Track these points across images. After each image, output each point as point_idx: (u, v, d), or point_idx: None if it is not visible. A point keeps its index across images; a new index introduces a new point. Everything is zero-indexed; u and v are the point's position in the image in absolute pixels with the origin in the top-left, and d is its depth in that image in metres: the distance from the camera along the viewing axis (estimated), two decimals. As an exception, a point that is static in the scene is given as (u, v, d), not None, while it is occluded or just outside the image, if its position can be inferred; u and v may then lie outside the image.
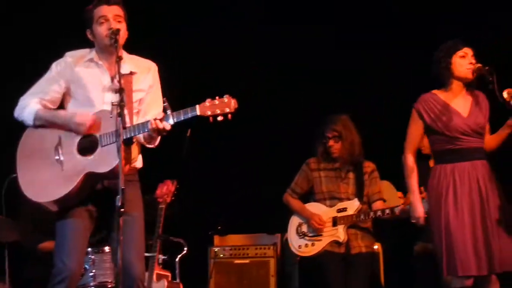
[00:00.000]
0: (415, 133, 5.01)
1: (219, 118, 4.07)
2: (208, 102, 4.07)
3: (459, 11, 6.74)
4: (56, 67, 4.34)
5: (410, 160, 5.03)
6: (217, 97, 4.09)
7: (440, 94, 4.95)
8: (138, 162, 4.38)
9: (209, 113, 4.06)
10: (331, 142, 5.88)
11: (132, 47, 4.37)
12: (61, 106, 4.36)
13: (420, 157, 6.35)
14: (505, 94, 4.66)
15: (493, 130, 5.03)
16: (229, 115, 4.07)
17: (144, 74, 4.35)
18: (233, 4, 7.27)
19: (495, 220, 4.75)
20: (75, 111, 4.24)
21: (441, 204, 4.81)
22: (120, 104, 3.96)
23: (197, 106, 4.08)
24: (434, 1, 6.87)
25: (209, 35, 7.21)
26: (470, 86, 4.92)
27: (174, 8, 7.25)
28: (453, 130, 4.86)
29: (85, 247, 4.30)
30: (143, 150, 4.38)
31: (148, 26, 6.53)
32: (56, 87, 4.31)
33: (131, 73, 4.26)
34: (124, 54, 4.30)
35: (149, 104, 4.34)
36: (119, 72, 4.04)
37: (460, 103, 4.93)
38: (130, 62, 4.29)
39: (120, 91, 4.01)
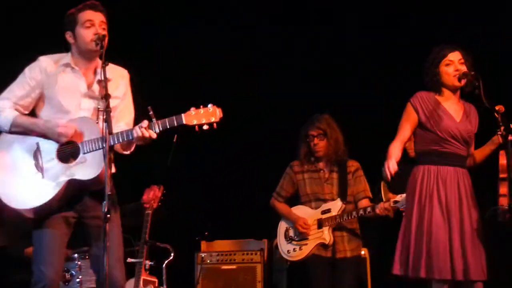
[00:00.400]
0: (406, 126, 4.99)
1: (205, 127, 4.10)
2: (193, 111, 4.10)
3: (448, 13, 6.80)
4: (29, 71, 4.29)
5: (393, 144, 4.97)
6: (201, 106, 4.12)
7: (436, 96, 4.97)
8: (112, 168, 4.36)
9: (194, 122, 4.09)
10: (316, 140, 5.88)
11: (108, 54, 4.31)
12: (32, 111, 4.32)
13: (405, 160, 6.41)
14: (496, 110, 4.68)
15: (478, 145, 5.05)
16: (214, 124, 4.10)
17: (118, 81, 4.34)
18: (215, 12, 7.27)
19: (471, 229, 4.78)
20: (55, 120, 4.19)
21: (426, 204, 4.82)
22: (106, 110, 3.96)
23: (183, 115, 4.10)
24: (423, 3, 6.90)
25: (190, 41, 7.21)
26: (463, 92, 4.94)
27: (153, 15, 7.24)
28: (444, 131, 4.88)
29: (62, 254, 4.29)
30: (128, 156, 4.38)
31: (126, 32, 6.50)
32: (29, 92, 4.27)
33: (108, 80, 4.18)
34: (98, 61, 4.29)
35: (122, 111, 4.35)
36: (104, 77, 4.05)
37: (453, 108, 4.96)
38: (106, 69, 4.22)
39: (106, 96, 4.01)
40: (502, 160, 4.73)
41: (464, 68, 4.87)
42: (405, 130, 5.00)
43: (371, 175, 6.09)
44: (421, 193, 4.87)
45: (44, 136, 4.20)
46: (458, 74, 4.86)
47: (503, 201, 4.70)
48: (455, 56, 4.91)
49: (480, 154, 5.01)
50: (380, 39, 7.00)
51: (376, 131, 6.49)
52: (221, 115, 4.13)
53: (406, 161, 6.25)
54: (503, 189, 4.71)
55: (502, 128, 4.67)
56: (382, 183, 5.70)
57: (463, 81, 4.86)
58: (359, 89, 7.05)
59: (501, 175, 4.73)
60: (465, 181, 4.88)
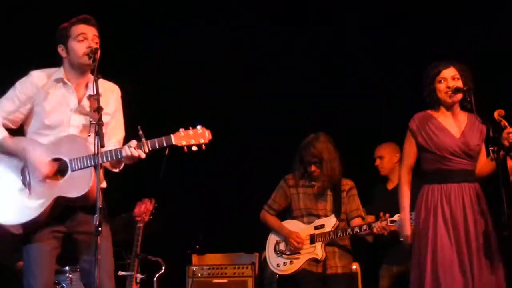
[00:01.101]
0: (408, 150, 5.03)
1: (194, 148, 4.12)
2: (182, 132, 4.12)
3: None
4: (21, 86, 4.28)
5: (403, 178, 5.05)
6: (190, 127, 4.13)
7: (434, 113, 4.97)
8: (103, 183, 4.38)
9: (184, 143, 4.11)
10: (312, 168, 5.87)
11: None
12: (21, 125, 4.31)
13: (378, 180, 6.45)
14: (495, 115, 4.69)
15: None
16: (203, 146, 4.13)
17: (109, 96, 4.33)
18: (214, 12, 7.29)
19: (479, 245, 4.75)
20: (42, 157, 4.14)
21: (429, 223, 4.82)
22: (98, 123, 3.96)
23: (172, 135, 4.12)
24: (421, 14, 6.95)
25: (188, 42, 7.23)
26: (464, 107, 4.92)
27: (142, 29, 7.26)
28: (442, 149, 4.88)
29: (53, 267, 4.28)
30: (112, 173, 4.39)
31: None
32: (20, 107, 4.25)
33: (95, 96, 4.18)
34: (89, 75, 4.30)
35: (114, 128, 4.35)
36: (97, 91, 4.04)
37: (453, 124, 4.95)
38: (98, 82, 4.20)
39: (98, 109, 4.01)
40: (511, 163, 4.72)
41: (457, 84, 4.87)
42: (408, 155, 5.05)
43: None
44: (426, 212, 4.87)
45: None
46: (449, 91, 4.88)
47: None
48: (448, 73, 4.91)
49: (489, 164, 4.92)
50: (380, 39, 7.03)
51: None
52: (210, 137, 4.17)
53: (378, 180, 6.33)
54: None
55: (506, 131, 4.66)
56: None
57: (456, 97, 4.87)
58: (354, 105, 7.07)
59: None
60: (471, 196, 4.84)
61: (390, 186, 6.52)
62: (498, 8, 6.67)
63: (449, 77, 4.90)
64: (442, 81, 4.91)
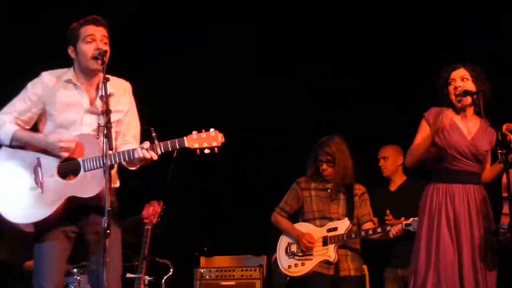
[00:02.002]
0: (420, 139, 4.95)
1: (206, 151, 4.11)
2: (195, 135, 4.12)
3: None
4: (32, 87, 4.27)
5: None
6: (203, 130, 4.13)
7: (449, 112, 4.93)
8: (117, 183, 4.38)
9: (196, 145, 4.11)
10: (324, 166, 5.89)
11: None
12: (35, 126, 4.31)
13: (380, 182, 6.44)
14: (503, 129, 4.67)
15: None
16: (216, 149, 4.13)
17: (121, 94, 4.32)
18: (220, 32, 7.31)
19: (481, 246, 4.76)
20: (57, 135, 4.17)
21: (435, 222, 4.82)
22: (107, 126, 3.96)
23: (185, 138, 4.12)
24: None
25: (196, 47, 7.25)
26: (478, 112, 4.91)
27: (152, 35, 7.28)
28: (452, 148, 4.86)
29: (63, 268, 4.27)
30: (128, 171, 4.38)
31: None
32: (31, 107, 4.25)
33: (110, 94, 4.18)
34: (100, 75, 4.26)
35: (128, 124, 4.33)
36: (105, 93, 4.04)
37: (466, 125, 4.94)
38: (108, 83, 4.21)
39: (106, 112, 4.01)
40: (504, 180, 4.72)
41: (466, 85, 4.85)
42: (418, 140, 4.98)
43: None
44: (430, 211, 4.87)
45: (45, 151, 4.18)
46: (456, 92, 4.85)
47: (505, 220, 4.68)
48: (457, 74, 4.90)
49: (492, 171, 4.96)
50: (384, 40, 7.04)
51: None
52: (223, 140, 4.16)
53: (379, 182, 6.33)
54: (505, 208, 4.70)
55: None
56: None
57: (465, 101, 4.84)
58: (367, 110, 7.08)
59: (504, 194, 4.73)
60: (476, 198, 4.84)
61: (393, 187, 6.52)
62: (498, 9, 6.67)
63: (458, 78, 4.89)
64: (451, 82, 4.91)
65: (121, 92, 4.33)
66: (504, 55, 6.50)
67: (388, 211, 5.98)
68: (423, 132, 4.93)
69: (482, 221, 4.82)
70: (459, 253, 4.75)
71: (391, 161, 6.48)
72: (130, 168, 4.34)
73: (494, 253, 4.80)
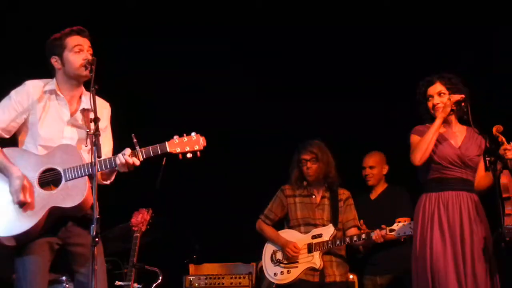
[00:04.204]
0: (428, 134, 4.90)
1: (188, 155, 4.13)
2: (177, 139, 4.14)
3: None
4: (16, 96, 4.25)
5: None
6: (184, 134, 4.15)
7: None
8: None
9: (178, 150, 4.12)
10: (308, 164, 5.92)
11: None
12: (13, 137, 4.28)
13: (363, 189, 6.46)
14: (494, 131, 4.71)
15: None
16: (198, 153, 4.14)
17: (102, 112, 4.27)
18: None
19: (473, 254, 4.77)
20: (18, 172, 4.09)
21: (427, 231, 4.84)
22: (95, 134, 3.94)
23: (167, 143, 4.14)
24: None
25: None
26: (462, 119, 4.95)
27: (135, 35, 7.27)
28: (442, 158, 4.89)
29: (46, 280, 4.23)
30: (116, 179, 4.40)
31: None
32: (15, 117, 4.22)
33: (89, 110, 4.20)
34: (83, 88, 4.31)
35: (102, 143, 4.22)
36: (94, 102, 4.02)
37: (452, 134, 4.97)
38: (88, 98, 4.20)
39: (95, 120, 3.99)
40: (504, 180, 4.74)
41: (442, 101, 4.89)
42: None
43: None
44: (423, 219, 4.89)
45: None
46: (436, 108, 4.90)
47: (509, 221, 4.69)
48: (433, 90, 4.97)
49: (487, 178, 4.95)
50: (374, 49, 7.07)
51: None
52: (205, 144, 4.18)
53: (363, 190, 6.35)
54: (508, 209, 4.71)
55: (503, 147, 4.68)
56: None
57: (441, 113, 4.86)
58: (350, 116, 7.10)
59: (504, 195, 4.74)
60: (469, 205, 4.86)
61: (373, 195, 6.52)
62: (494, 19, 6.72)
63: (435, 94, 4.94)
64: (430, 98, 4.96)
65: (101, 110, 4.27)
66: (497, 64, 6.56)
67: (361, 221, 6.00)
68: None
69: (475, 228, 4.83)
70: (454, 260, 4.75)
71: (377, 170, 6.48)
72: (104, 182, 4.34)
73: (493, 257, 4.81)
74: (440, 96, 4.93)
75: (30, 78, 4.34)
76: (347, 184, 6.13)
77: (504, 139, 4.73)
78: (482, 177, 5.00)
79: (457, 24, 6.79)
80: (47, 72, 4.36)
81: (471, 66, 6.27)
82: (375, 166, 6.47)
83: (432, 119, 4.95)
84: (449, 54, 6.67)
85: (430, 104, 4.95)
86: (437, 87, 4.95)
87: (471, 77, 5.07)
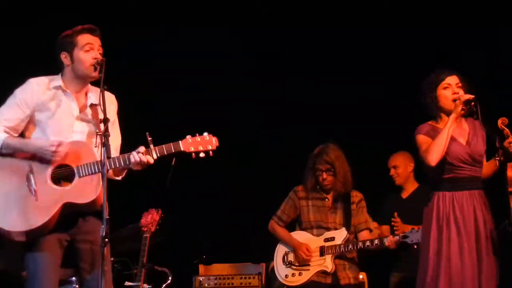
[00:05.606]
0: (442, 133, 4.85)
1: (201, 155, 4.14)
2: (190, 139, 4.16)
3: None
4: (20, 94, 4.24)
5: None
6: (197, 134, 4.16)
7: (436, 125, 4.94)
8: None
9: (192, 149, 4.15)
10: (324, 175, 5.86)
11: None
12: (21, 135, 4.28)
13: (392, 189, 6.45)
14: (499, 123, 4.70)
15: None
16: (211, 152, 4.16)
17: (109, 106, 4.22)
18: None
19: (489, 250, 4.77)
20: (47, 140, 4.15)
21: (443, 229, 4.81)
22: (105, 134, 3.95)
23: (180, 142, 4.15)
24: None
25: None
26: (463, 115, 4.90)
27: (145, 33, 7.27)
28: (453, 157, 4.86)
29: (57, 276, 4.24)
30: (126, 179, 4.40)
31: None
32: (20, 114, 4.22)
33: (97, 105, 4.23)
34: (89, 84, 4.31)
35: (113, 138, 4.24)
36: (103, 102, 4.03)
37: (457, 132, 4.92)
38: (96, 94, 4.25)
39: (104, 121, 4.00)
40: (510, 173, 4.71)
41: (461, 92, 4.85)
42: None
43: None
44: (438, 218, 4.85)
45: (36, 157, 4.15)
46: (457, 98, 4.84)
47: None
48: (452, 80, 4.90)
49: (490, 166, 4.96)
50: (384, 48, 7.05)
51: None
52: (218, 144, 4.21)
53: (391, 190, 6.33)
54: None
55: (508, 140, 4.67)
56: None
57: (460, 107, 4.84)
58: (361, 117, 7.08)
59: (510, 189, 4.73)
60: (481, 203, 4.85)
61: (405, 195, 6.52)
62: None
63: (454, 84, 4.90)
64: (447, 87, 4.90)
65: (108, 104, 4.22)
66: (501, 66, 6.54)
67: (396, 214, 5.98)
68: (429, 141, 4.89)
69: (486, 225, 4.82)
70: (472, 258, 4.73)
71: (402, 169, 6.48)
72: (116, 178, 4.35)
73: (499, 250, 4.82)
74: (458, 88, 4.89)
75: (32, 76, 4.33)
76: (377, 184, 6.10)
77: (509, 132, 4.72)
78: (484, 167, 4.98)
79: (457, 24, 6.77)
80: (48, 70, 4.36)
81: (471, 66, 6.25)
82: (398, 166, 6.49)
83: (439, 110, 4.91)
84: (448, 54, 6.63)
85: (447, 93, 4.88)
86: (455, 79, 4.91)
87: (471, 77, 5.04)
